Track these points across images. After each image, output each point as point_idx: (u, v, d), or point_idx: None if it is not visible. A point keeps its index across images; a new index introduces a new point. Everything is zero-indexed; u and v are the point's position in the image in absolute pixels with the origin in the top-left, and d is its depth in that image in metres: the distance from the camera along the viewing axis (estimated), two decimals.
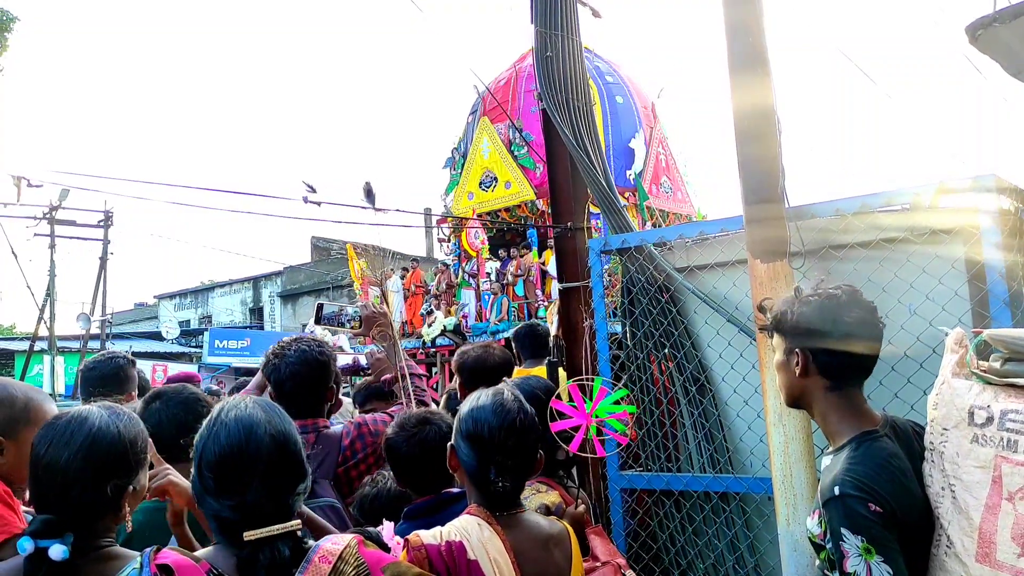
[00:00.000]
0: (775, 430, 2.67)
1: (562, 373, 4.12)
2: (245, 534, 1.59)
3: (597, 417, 2.89)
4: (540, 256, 17.39)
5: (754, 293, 2.79)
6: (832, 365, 1.98)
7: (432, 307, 18.71)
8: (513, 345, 4.92)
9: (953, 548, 1.81)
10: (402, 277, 19.28)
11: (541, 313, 16.33)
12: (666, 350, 3.57)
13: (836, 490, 1.81)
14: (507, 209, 18.40)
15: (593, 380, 2.99)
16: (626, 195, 17.32)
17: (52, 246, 22.74)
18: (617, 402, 2.97)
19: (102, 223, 23.72)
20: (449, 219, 18.94)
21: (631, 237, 3.69)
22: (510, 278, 17.55)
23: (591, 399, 2.91)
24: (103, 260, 23.43)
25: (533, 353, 4.76)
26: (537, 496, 2.61)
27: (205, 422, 1.72)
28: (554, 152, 4.66)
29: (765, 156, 2.77)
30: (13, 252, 21.67)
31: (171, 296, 40.11)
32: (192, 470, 1.70)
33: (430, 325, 18.09)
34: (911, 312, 2.83)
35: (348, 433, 2.97)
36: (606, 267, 3.85)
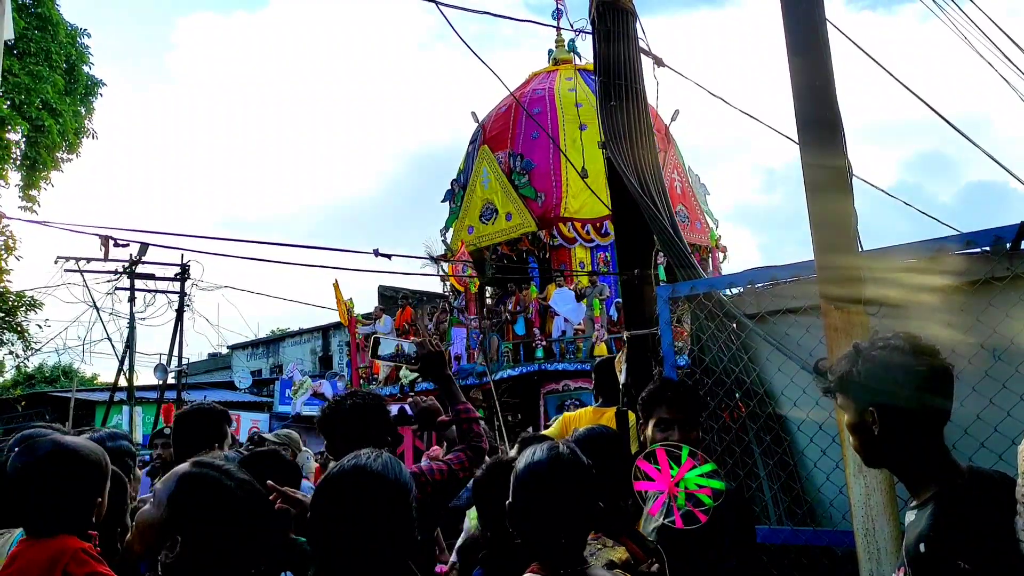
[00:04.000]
0: (855, 481, 2.59)
1: (632, 420, 4.07)
2: None
3: (685, 488, 2.79)
4: (541, 291, 16.35)
5: (829, 340, 2.73)
6: (909, 418, 1.91)
7: None
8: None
9: None
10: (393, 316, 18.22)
11: (539, 354, 15.46)
12: (738, 398, 3.50)
13: (922, 547, 1.74)
14: (508, 243, 17.69)
15: (681, 448, 2.90)
16: None
17: (132, 299, 23.50)
18: (705, 475, 2.86)
19: (178, 276, 24.48)
20: (449, 255, 17.97)
21: (700, 284, 3.66)
22: (507, 315, 16.46)
23: (678, 467, 2.82)
24: (179, 312, 24.13)
25: (602, 393, 4.71)
26: (605, 551, 2.57)
27: None
28: (619, 199, 4.66)
29: (837, 201, 2.74)
30: (95, 306, 22.47)
31: (243, 346, 40.99)
32: None
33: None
34: (996, 358, 2.73)
35: None
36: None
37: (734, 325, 3.51)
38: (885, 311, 2.73)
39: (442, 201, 20.07)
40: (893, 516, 2.52)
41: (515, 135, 18.35)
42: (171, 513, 1.86)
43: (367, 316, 19.90)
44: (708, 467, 2.85)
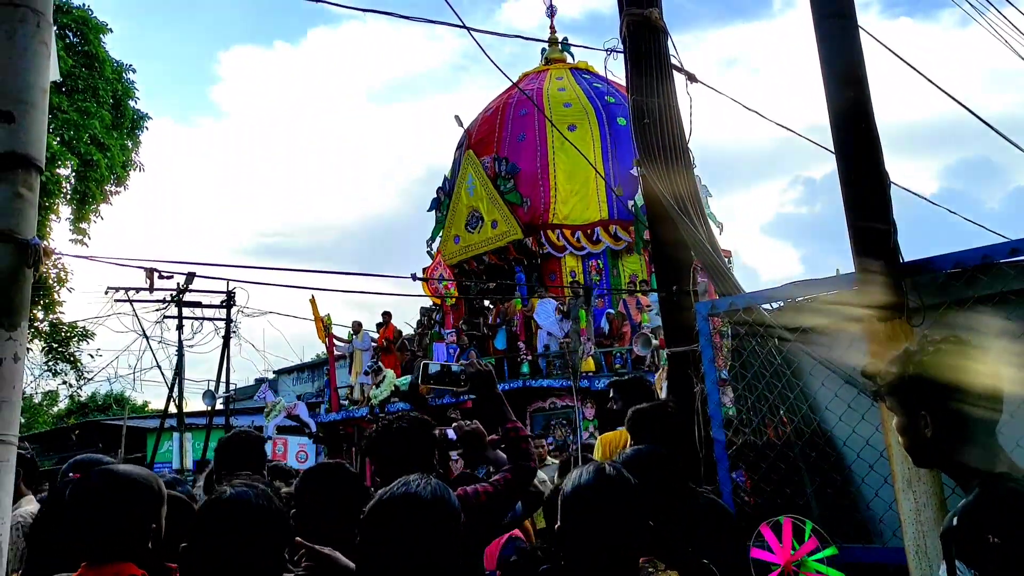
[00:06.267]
0: (904, 496, 2.54)
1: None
2: None
3: (806, 571, 2.67)
4: (526, 303, 15.30)
5: (872, 352, 2.69)
6: (961, 416, 1.88)
7: (380, 363, 16.15)
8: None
9: None
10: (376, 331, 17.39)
11: (524, 369, 14.51)
12: (782, 414, 3.46)
13: (954, 521, 1.71)
14: (495, 252, 16.80)
15: (805, 523, 2.80)
16: (628, 228, 16.10)
17: (180, 327, 23.91)
18: (825, 561, 2.73)
19: (224, 303, 24.87)
20: (432, 269, 17.42)
21: (739, 299, 3.63)
22: (486, 329, 15.58)
23: (800, 543, 2.72)
24: (226, 339, 24.48)
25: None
26: (657, 575, 2.53)
27: None
28: (656, 217, 4.65)
29: (875, 212, 2.71)
30: (145, 334, 22.91)
31: (289, 370, 41.41)
32: None
33: (377, 385, 15.65)
34: None
35: None
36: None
37: (775, 340, 3.47)
38: (929, 323, 2.68)
39: (428, 210, 19.37)
40: None
41: (500, 138, 17.64)
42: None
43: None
44: (831, 551, 2.75)
